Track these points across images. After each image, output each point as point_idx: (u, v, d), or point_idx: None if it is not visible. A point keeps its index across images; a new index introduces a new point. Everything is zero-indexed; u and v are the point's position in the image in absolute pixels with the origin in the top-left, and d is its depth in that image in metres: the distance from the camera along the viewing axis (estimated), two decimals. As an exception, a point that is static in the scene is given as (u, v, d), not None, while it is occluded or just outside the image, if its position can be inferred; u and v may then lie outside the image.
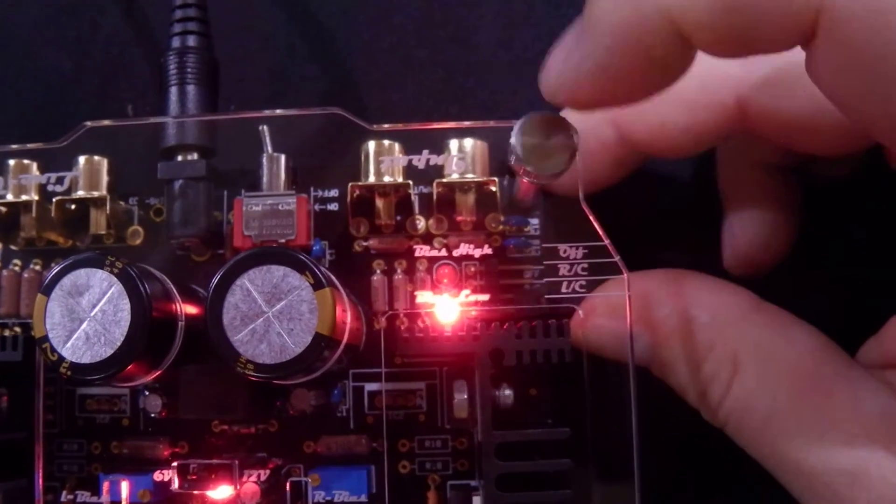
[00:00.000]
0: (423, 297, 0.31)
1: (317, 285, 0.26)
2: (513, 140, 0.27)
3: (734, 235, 0.32)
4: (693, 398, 0.28)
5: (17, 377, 0.31)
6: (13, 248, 0.34)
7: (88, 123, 0.31)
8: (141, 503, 0.30)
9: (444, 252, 0.32)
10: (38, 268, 0.33)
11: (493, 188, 0.31)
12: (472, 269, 0.32)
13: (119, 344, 0.26)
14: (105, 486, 0.29)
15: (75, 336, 0.27)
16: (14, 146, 0.33)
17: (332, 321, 0.26)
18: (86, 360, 0.27)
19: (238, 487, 0.29)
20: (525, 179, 0.28)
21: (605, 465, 0.28)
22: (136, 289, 0.27)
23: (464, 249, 0.32)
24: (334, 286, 0.26)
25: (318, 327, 0.26)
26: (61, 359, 0.27)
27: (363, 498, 0.30)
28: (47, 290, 0.27)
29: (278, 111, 0.31)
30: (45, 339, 0.27)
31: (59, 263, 0.27)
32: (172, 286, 0.28)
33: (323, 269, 0.26)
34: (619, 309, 0.28)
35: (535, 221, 0.32)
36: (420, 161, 0.31)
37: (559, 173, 0.27)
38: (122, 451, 0.32)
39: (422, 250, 0.32)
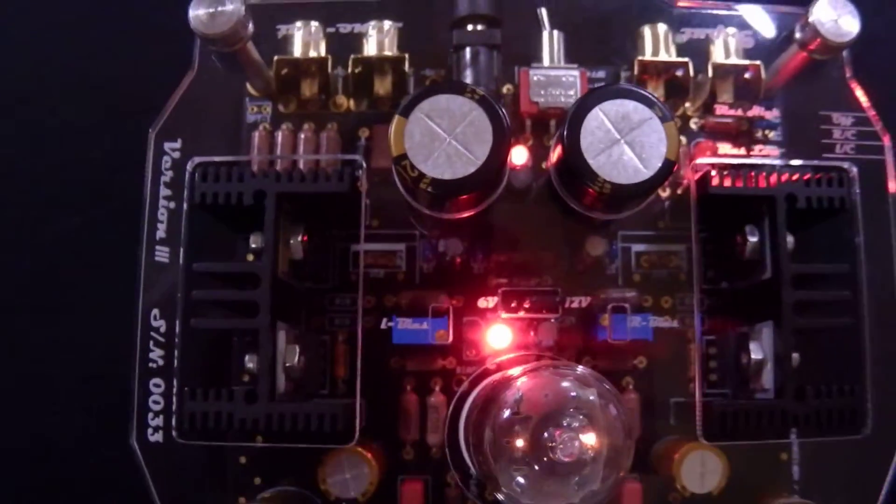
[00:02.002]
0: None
1: (664, 118, 0.29)
2: (812, 17, 0.31)
3: None
4: None
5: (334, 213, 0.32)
6: (283, 110, 0.35)
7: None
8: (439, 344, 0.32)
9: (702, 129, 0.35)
10: (311, 132, 0.34)
11: (748, 75, 0.35)
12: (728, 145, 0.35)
13: (482, 162, 0.28)
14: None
15: (436, 154, 0.28)
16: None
17: (677, 149, 0.29)
18: (447, 176, 0.28)
19: (556, 316, 0.31)
20: (808, 52, 0.32)
21: (876, 298, 0.32)
22: (496, 114, 0.29)
23: (721, 127, 0.35)
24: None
25: (668, 154, 0.29)
26: (422, 175, 0.28)
27: (649, 339, 0.33)
28: (406, 112, 0.29)
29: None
30: (405, 157, 0.28)
31: (418, 89, 0.29)
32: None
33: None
34: None
35: (777, 110, 0.35)
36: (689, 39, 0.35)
37: (850, 42, 0.32)
38: (399, 302, 0.34)
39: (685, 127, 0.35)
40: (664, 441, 0.33)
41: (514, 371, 0.27)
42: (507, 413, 0.25)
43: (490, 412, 0.25)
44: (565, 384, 0.24)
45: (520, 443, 0.24)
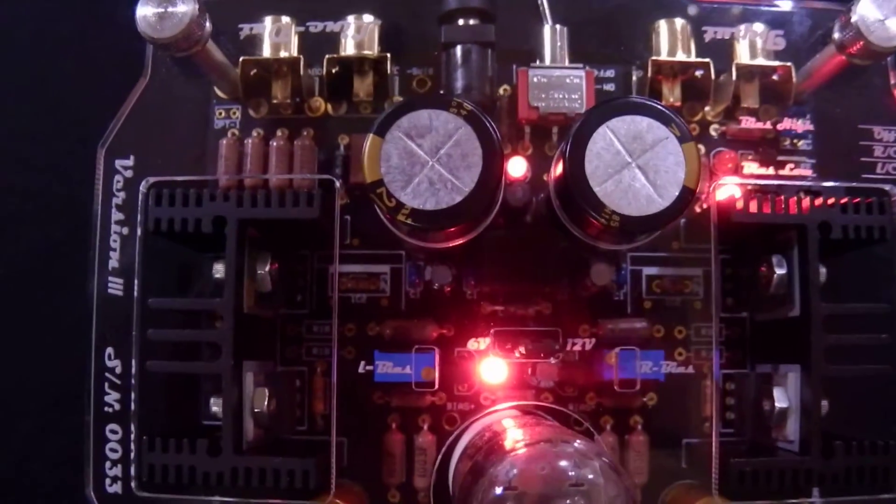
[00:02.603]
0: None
1: (683, 138, 0.25)
2: (855, 16, 0.27)
3: None
4: None
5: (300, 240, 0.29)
6: (253, 114, 0.31)
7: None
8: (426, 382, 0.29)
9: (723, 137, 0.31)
10: (284, 139, 0.31)
11: (776, 77, 0.31)
12: (751, 156, 0.31)
13: (470, 189, 0.25)
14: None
15: (417, 180, 0.25)
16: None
17: (698, 175, 0.25)
18: (430, 206, 0.25)
19: (556, 358, 0.27)
20: (847, 56, 0.28)
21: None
22: (487, 132, 0.25)
23: (744, 135, 0.31)
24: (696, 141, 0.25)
25: (686, 180, 0.25)
26: (400, 205, 0.25)
27: (660, 378, 0.29)
28: (381, 131, 0.25)
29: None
30: (380, 183, 0.25)
31: (394, 104, 0.25)
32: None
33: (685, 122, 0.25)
34: None
35: (808, 120, 0.31)
36: (711, 38, 0.30)
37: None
38: (382, 332, 0.30)
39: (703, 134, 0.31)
40: (674, 487, 0.30)
41: (507, 443, 0.24)
42: (499, 490, 0.22)
43: (478, 486, 0.22)
44: (563, 463, 0.21)
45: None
